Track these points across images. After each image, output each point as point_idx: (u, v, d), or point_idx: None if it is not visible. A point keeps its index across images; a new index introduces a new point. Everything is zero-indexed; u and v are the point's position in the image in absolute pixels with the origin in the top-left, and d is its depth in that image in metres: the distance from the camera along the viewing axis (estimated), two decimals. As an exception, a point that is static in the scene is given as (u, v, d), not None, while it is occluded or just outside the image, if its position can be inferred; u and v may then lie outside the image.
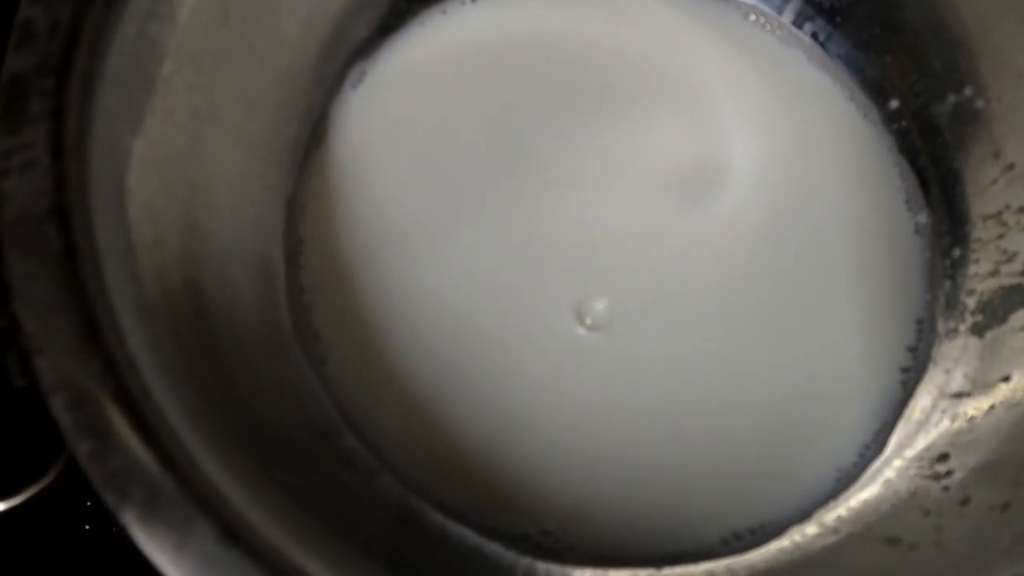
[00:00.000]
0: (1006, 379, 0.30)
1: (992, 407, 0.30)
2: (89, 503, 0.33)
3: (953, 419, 0.31)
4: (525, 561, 0.29)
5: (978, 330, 0.32)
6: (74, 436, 0.20)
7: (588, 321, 0.33)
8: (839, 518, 0.30)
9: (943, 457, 0.30)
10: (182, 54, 0.27)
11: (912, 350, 0.33)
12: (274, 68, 0.32)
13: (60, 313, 0.21)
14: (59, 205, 0.22)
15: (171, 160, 0.27)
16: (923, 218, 0.35)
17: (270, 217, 0.32)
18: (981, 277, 0.33)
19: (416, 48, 0.36)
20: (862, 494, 0.31)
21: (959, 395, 0.31)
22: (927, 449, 0.31)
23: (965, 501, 0.28)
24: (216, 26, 0.29)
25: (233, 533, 0.20)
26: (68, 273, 0.22)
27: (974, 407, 0.30)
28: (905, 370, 0.33)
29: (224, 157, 0.30)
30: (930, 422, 0.31)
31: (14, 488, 0.29)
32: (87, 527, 0.33)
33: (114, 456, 0.20)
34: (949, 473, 0.29)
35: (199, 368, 0.25)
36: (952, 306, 0.33)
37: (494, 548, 0.29)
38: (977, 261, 0.33)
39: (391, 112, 0.35)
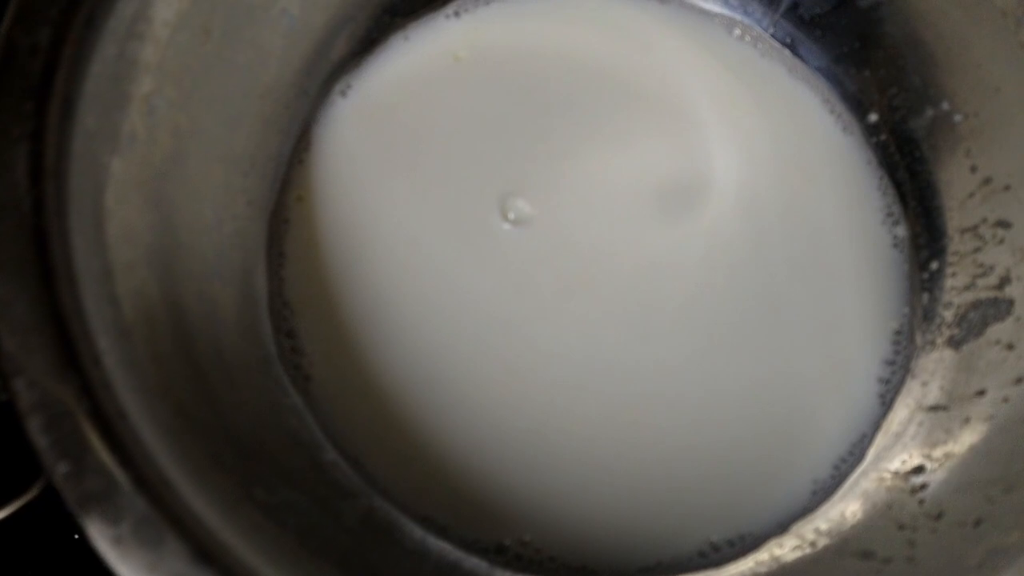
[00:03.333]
0: (981, 393, 0.30)
1: (968, 420, 0.30)
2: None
3: (930, 432, 0.31)
4: (504, 574, 0.30)
5: (955, 343, 0.32)
6: (50, 457, 0.20)
7: (570, 334, 0.33)
8: (817, 531, 0.31)
9: (919, 470, 0.30)
10: (163, 72, 0.28)
11: (890, 363, 0.33)
12: (257, 84, 0.33)
13: (37, 335, 0.21)
14: (37, 227, 0.22)
15: (151, 178, 0.27)
16: (901, 231, 0.35)
17: (253, 232, 0.33)
18: (958, 290, 0.33)
19: (400, 62, 0.37)
20: (839, 506, 0.31)
21: (935, 408, 0.31)
22: (903, 462, 0.31)
23: (939, 516, 0.28)
24: (197, 44, 0.29)
25: (206, 553, 0.20)
26: (45, 295, 0.22)
27: (950, 420, 0.31)
28: (883, 382, 0.33)
29: (206, 173, 0.30)
30: (907, 435, 0.32)
31: (1, 501, 0.29)
32: (76, 537, 0.33)
33: (88, 477, 0.20)
34: (924, 487, 0.29)
35: (178, 386, 0.25)
36: (930, 319, 0.33)
37: (473, 562, 0.30)
38: (954, 275, 0.33)
39: (375, 126, 0.36)
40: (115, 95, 0.26)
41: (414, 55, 0.37)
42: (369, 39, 0.36)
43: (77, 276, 0.23)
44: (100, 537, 0.20)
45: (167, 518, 0.20)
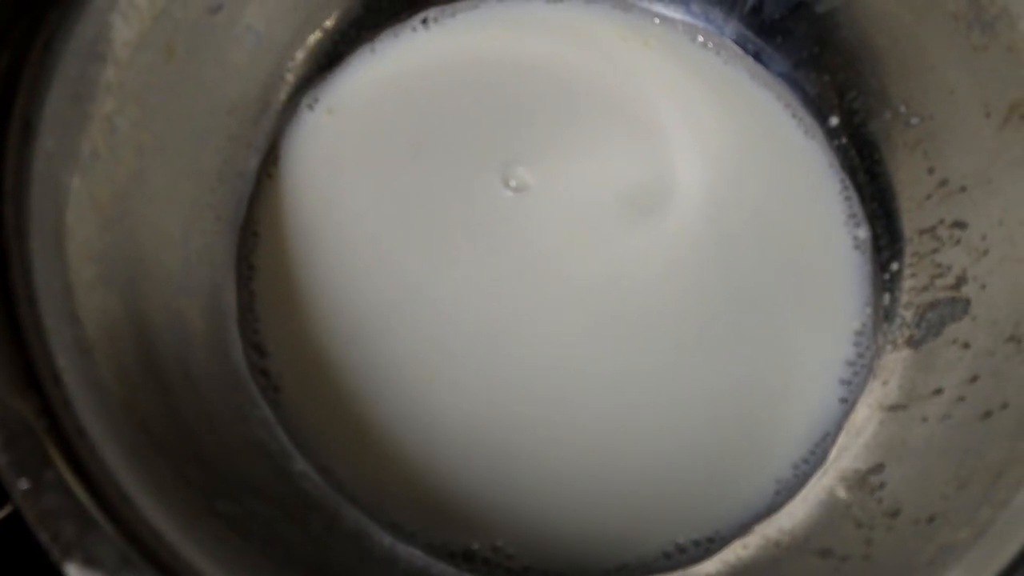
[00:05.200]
0: (939, 391, 0.31)
1: (925, 419, 0.30)
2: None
3: (889, 431, 0.31)
4: (473, 580, 0.30)
5: (914, 343, 0.33)
6: (9, 474, 0.21)
7: (537, 341, 0.33)
8: (780, 530, 0.31)
9: (878, 469, 0.30)
10: (125, 92, 0.28)
11: (852, 364, 0.34)
12: (222, 100, 0.33)
13: (-3, 354, 0.22)
14: (-3, 248, 0.23)
15: (115, 196, 0.28)
16: (862, 233, 0.35)
17: (221, 246, 0.33)
18: (917, 291, 0.33)
19: (367, 74, 0.37)
20: (802, 506, 0.31)
21: (895, 407, 0.32)
22: (864, 461, 0.31)
23: (895, 513, 0.28)
24: (160, 63, 0.30)
25: (165, 568, 0.21)
26: (4, 315, 0.22)
27: (909, 419, 0.31)
28: (845, 383, 0.33)
29: (172, 190, 0.31)
30: (867, 433, 0.32)
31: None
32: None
33: (47, 494, 0.21)
34: (883, 485, 0.30)
35: (142, 403, 0.25)
36: (891, 319, 0.34)
37: (442, 567, 0.30)
38: (914, 275, 0.34)
39: (343, 138, 0.36)
40: (76, 115, 0.26)
41: (381, 67, 0.37)
42: (336, 52, 0.37)
43: (37, 295, 0.23)
44: (59, 553, 0.20)
45: (125, 534, 0.21)
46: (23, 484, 0.21)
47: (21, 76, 0.25)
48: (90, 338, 0.24)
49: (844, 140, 0.36)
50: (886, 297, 0.34)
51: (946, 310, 0.32)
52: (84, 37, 0.26)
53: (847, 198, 0.36)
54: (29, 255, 0.23)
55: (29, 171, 0.24)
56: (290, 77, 0.36)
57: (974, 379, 0.30)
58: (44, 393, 0.22)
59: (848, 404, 0.33)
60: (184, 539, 0.22)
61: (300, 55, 0.36)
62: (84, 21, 0.26)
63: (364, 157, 0.36)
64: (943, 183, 0.33)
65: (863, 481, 0.30)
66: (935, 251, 0.33)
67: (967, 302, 0.31)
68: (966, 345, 0.31)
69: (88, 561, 0.20)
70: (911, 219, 0.34)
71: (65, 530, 0.20)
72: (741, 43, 0.38)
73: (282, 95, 0.36)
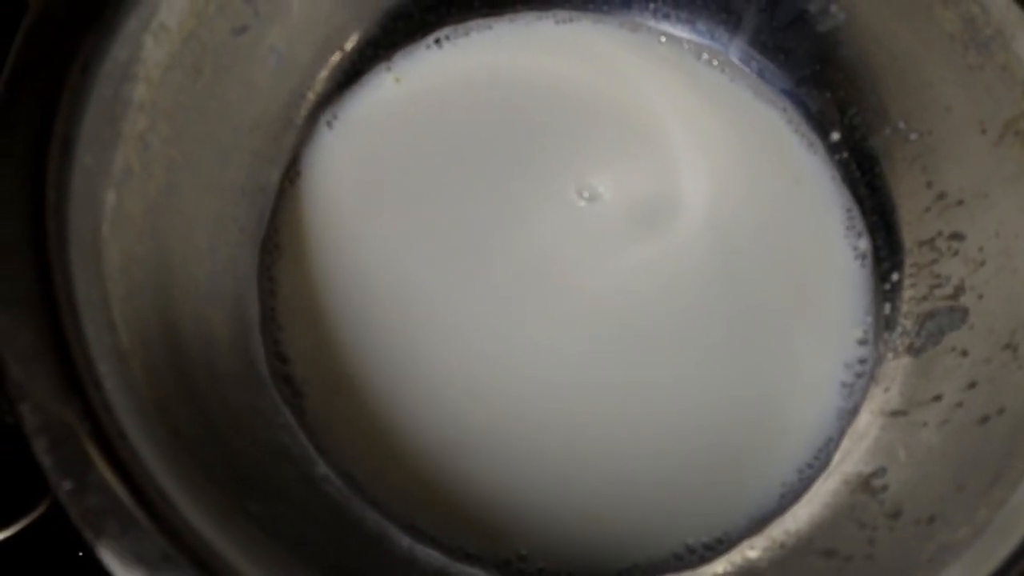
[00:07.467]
0: (938, 398, 0.32)
1: (925, 424, 0.31)
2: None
3: (891, 436, 0.32)
4: (488, 580, 0.31)
5: (914, 351, 0.34)
6: (54, 476, 0.22)
7: (550, 354, 0.35)
8: (785, 531, 0.32)
9: (880, 472, 0.32)
10: (156, 110, 0.29)
11: (854, 371, 0.35)
12: (246, 118, 0.34)
13: (41, 362, 0.23)
14: (39, 262, 0.24)
15: (147, 210, 0.29)
16: (864, 244, 0.36)
17: (245, 258, 0.34)
18: (917, 300, 0.34)
19: (384, 91, 0.38)
20: (806, 508, 0.32)
21: (896, 413, 0.33)
22: (866, 464, 0.32)
23: (896, 514, 0.29)
24: (189, 82, 0.31)
25: (202, 563, 0.22)
26: (48, 325, 0.23)
27: (909, 425, 0.32)
28: (848, 389, 0.34)
29: (199, 204, 0.32)
30: (869, 438, 0.33)
31: (8, 519, 0.30)
32: (80, 554, 0.35)
33: (91, 494, 0.22)
34: (885, 488, 0.31)
35: (174, 407, 0.26)
36: (892, 328, 0.35)
37: (459, 567, 0.31)
38: (913, 285, 0.35)
39: (362, 153, 0.37)
40: (111, 134, 0.27)
41: (397, 84, 0.38)
42: (354, 71, 0.38)
43: (78, 305, 0.24)
44: (103, 549, 0.21)
45: (165, 530, 0.22)
46: (67, 485, 0.22)
47: (60, 97, 0.26)
48: (126, 345, 0.25)
49: (845, 155, 0.37)
50: (887, 307, 0.35)
51: (945, 319, 0.33)
52: (118, 59, 0.28)
53: (848, 211, 0.37)
54: (69, 267, 0.25)
55: (68, 187, 0.26)
56: (310, 95, 0.37)
57: (972, 385, 0.31)
58: (86, 398, 0.23)
59: (851, 410, 0.34)
60: (219, 537, 0.23)
61: (320, 74, 0.37)
62: (119, 44, 0.28)
63: (379, 171, 0.37)
64: (941, 196, 0.34)
65: (866, 484, 0.31)
66: (934, 262, 0.34)
67: (965, 311, 0.32)
68: (964, 353, 0.32)
69: (130, 558, 0.21)
70: (910, 231, 0.35)
71: (108, 528, 0.22)
72: (745, 61, 0.39)
73: (302, 113, 0.37)
